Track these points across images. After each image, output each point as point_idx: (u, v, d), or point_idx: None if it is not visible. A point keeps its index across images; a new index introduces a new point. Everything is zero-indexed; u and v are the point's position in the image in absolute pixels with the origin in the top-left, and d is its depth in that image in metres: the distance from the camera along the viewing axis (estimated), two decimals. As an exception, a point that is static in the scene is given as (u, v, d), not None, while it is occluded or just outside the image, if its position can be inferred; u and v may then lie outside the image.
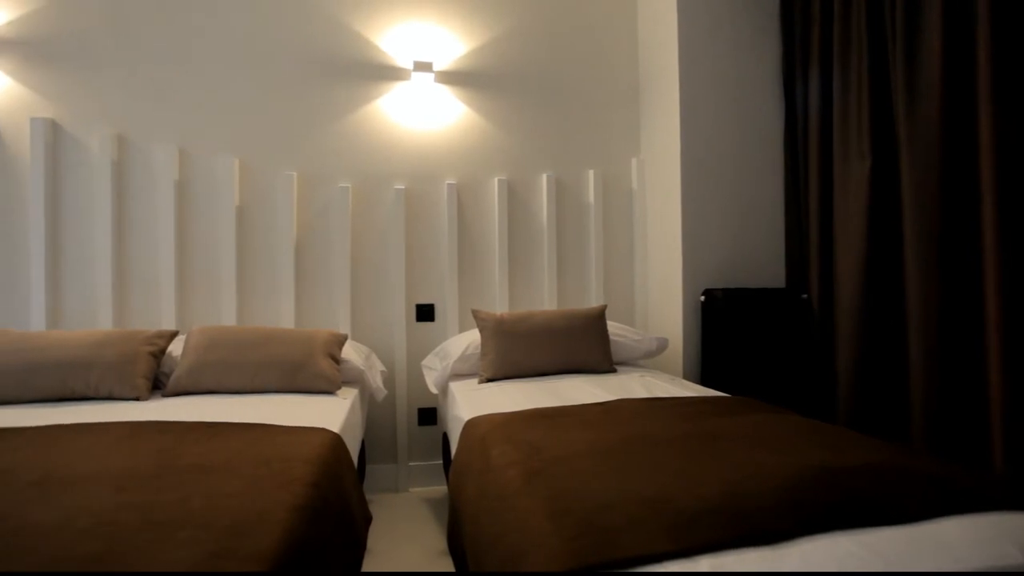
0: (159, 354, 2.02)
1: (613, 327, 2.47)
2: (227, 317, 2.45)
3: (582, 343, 2.24)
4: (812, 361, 2.40)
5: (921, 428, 1.89)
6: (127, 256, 2.41)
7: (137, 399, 1.87)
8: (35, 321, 2.29)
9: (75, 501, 0.96)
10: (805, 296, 2.46)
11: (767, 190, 2.65)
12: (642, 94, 2.93)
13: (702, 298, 2.51)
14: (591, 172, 2.85)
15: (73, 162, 2.37)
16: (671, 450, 1.23)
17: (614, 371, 2.28)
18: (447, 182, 2.68)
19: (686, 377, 2.52)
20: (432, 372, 2.30)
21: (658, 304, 2.79)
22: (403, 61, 2.67)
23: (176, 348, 2.11)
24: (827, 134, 2.39)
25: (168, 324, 2.39)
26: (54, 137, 2.35)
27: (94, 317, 2.36)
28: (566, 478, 1.09)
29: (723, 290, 2.43)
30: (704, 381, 2.46)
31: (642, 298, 2.90)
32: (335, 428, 1.54)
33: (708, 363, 2.47)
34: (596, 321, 2.32)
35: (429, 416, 2.67)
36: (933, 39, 1.87)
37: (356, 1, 2.63)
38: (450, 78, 2.72)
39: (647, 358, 2.55)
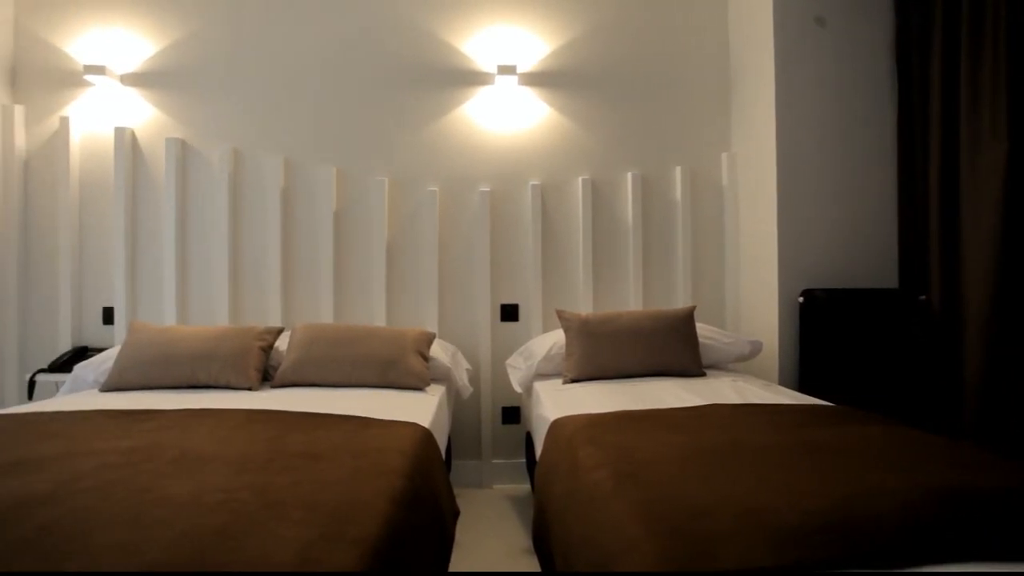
0: (268, 348, 2.19)
1: (702, 329, 2.37)
2: (325, 314, 2.62)
3: (670, 345, 2.17)
4: (932, 370, 2.17)
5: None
6: (240, 258, 2.64)
7: (250, 389, 2.05)
8: (167, 317, 2.58)
9: (204, 479, 1.07)
10: (924, 298, 2.22)
11: (876, 182, 2.43)
12: (733, 85, 2.79)
13: (801, 299, 2.35)
14: (678, 169, 2.76)
15: (198, 175, 2.64)
16: (768, 459, 1.16)
17: (703, 375, 2.19)
18: (531, 183, 2.71)
19: (782, 383, 2.37)
20: (516, 371, 2.33)
21: (751, 305, 2.64)
22: (487, 65, 2.72)
23: (282, 343, 2.29)
24: (951, 115, 2.14)
25: (275, 320, 2.60)
26: (183, 154, 2.63)
27: (213, 314, 2.62)
28: (657, 483, 1.06)
29: (825, 290, 2.26)
30: (803, 388, 2.29)
31: (733, 299, 2.76)
32: (425, 423, 1.61)
33: (807, 369, 2.30)
34: (684, 322, 2.24)
35: (512, 415, 2.70)
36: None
37: (441, 10, 2.72)
38: (533, 80, 2.74)
39: (739, 362, 2.43)
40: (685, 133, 2.80)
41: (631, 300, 2.72)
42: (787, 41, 2.42)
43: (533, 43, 2.75)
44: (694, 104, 2.80)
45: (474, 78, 2.72)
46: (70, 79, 2.64)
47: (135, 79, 2.65)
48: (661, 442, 1.29)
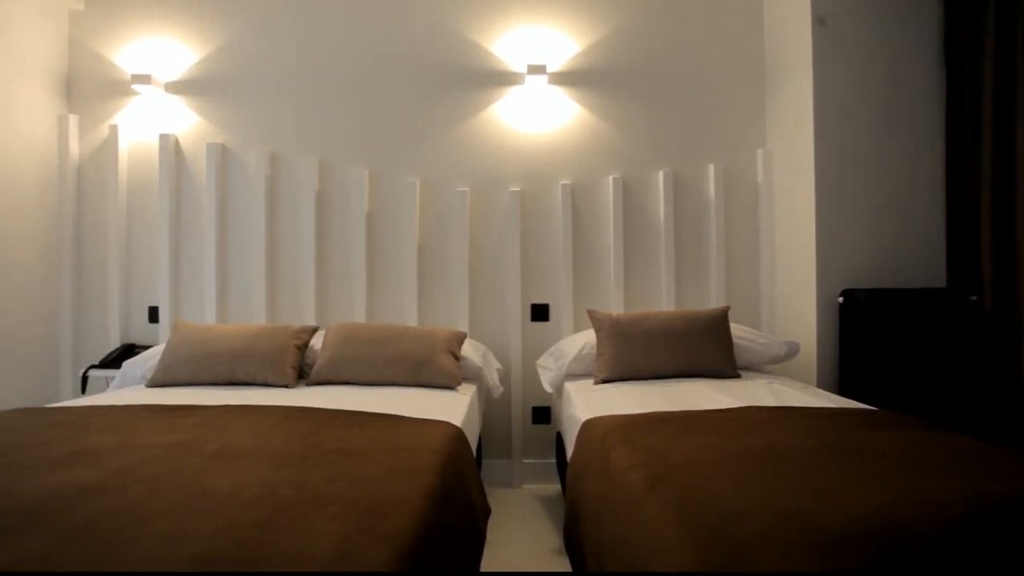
0: (303, 347, 2.25)
1: (736, 329, 2.32)
2: (358, 314, 2.67)
3: (703, 346, 2.13)
4: (983, 374, 2.07)
5: None
6: (277, 259, 2.72)
7: (286, 386, 2.11)
8: (208, 315, 2.67)
9: (244, 473, 1.11)
10: (975, 298, 2.13)
11: (922, 177, 2.34)
12: (768, 80, 2.72)
13: (840, 299, 2.28)
14: (711, 166, 2.71)
15: (237, 179, 2.73)
16: (807, 463, 1.13)
17: (738, 376, 2.15)
18: (561, 182, 2.70)
19: (820, 386, 2.30)
20: (547, 372, 2.33)
21: (787, 306, 2.57)
22: (517, 65, 2.73)
23: (316, 342, 2.34)
24: (1007, 105, 2.04)
25: (309, 319, 2.66)
26: (223, 158, 2.72)
27: (251, 312, 2.70)
28: (692, 485, 1.05)
29: (866, 291, 2.18)
30: (843, 391, 2.22)
31: (769, 299, 2.69)
32: (457, 422, 1.62)
33: (847, 371, 2.23)
34: (718, 323, 2.20)
35: (542, 415, 2.70)
36: None
37: (471, 12, 2.74)
38: (563, 79, 2.74)
39: (774, 364, 2.37)
40: (718, 130, 2.74)
41: (663, 300, 2.69)
42: (826, 34, 2.34)
43: (563, 42, 2.74)
44: (727, 100, 2.75)
45: (504, 78, 2.73)
46: (119, 88, 2.76)
47: (178, 87, 2.75)
48: (695, 444, 1.27)
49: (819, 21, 2.28)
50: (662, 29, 2.74)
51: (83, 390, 2.53)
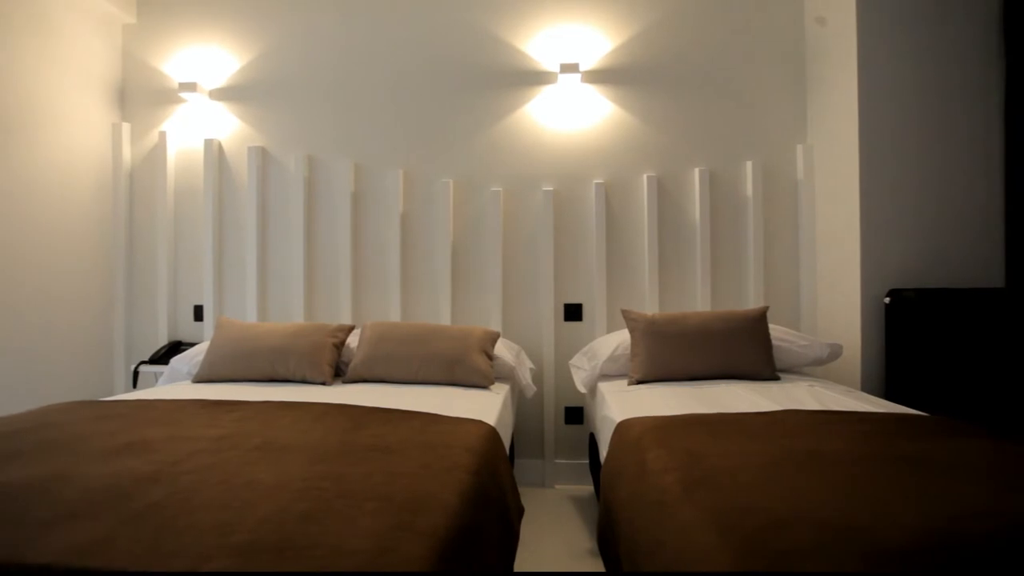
0: (340, 345, 2.30)
1: (775, 330, 2.26)
2: (393, 313, 2.71)
3: (741, 347, 2.08)
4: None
5: None
6: (314, 258, 2.79)
7: (323, 383, 2.16)
8: (249, 313, 2.76)
9: (286, 467, 1.14)
10: (1034, 299, 2.01)
11: (978, 170, 2.23)
12: (809, 72, 2.64)
13: (887, 300, 2.19)
14: (749, 163, 2.64)
15: (276, 181, 2.81)
16: (854, 471, 1.09)
17: (777, 379, 2.09)
18: (595, 181, 2.68)
19: (865, 390, 2.22)
20: (580, 372, 2.31)
21: (829, 306, 2.49)
22: (550, 64, 2.72)
23: (352, 340, 2.39)
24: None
25: (346, 318, 2.72)
26: (263, 161, 2.81)
27: (289, 311, 2.77)
28: (729, 490, 1.03)
29: (915, 290, 2.09)
30: (889, 395, 2.14)
31: (809, 299, 2.61)
32: (491, 421, 1.63)
33: (894, 374, 2.14)
34: (757, 323, 2.14)
35: (575, 415, 2.69)
36: None
37: (504, 12, 2.74)
38: (596, 77, 2.72)
39: (815, 366, 2.30)
40: (756, 125, 2.68)
41: (698, 300, 2.64)
42: (872, 20, 2.26)
43: (595, 40, 2.72)
44: (766, 94, 2.68)
45: (537, 78, 2.73)
46: (167, 97, 2.88)
47: (221, 93, 2.85)
48: (733, 448, 1.24)
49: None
50: (697, 23, 2.69)
51: (134, 384, 2.65)
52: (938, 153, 2.24)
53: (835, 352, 2.20)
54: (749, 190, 2.64)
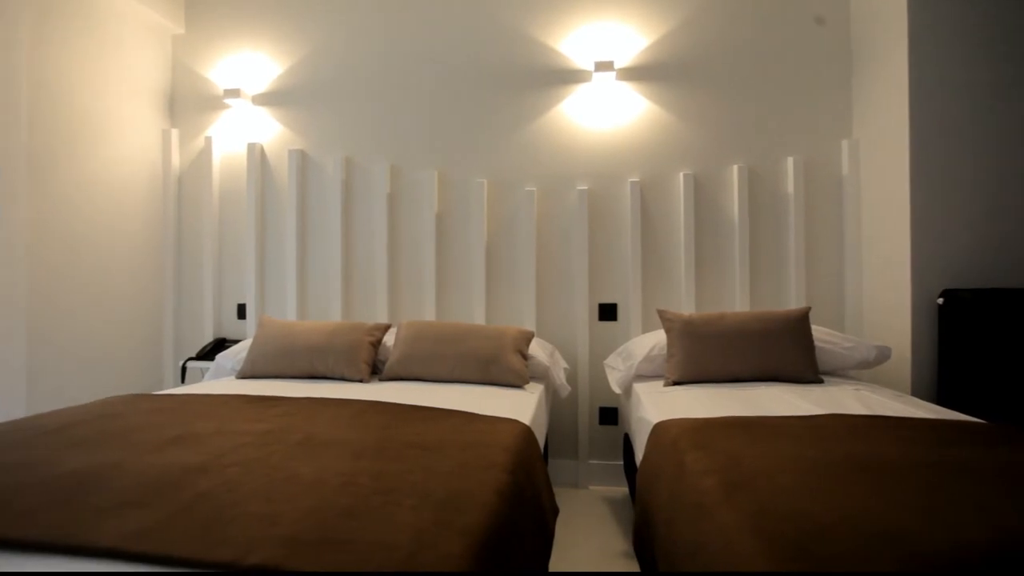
0: (376, 344, 2.34)
1: (818, 332, 2.19)
2: (428, 312, 2.74)
3: (781, 348, 2.02)
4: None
5: None
6: (351, 258, 2.85)
7: (361, 381, 2.20)
8: (289, 312, 2.84)
9: (326, 462, 1.17)
10: (1103, 300, 1.89)
11: (1039, 165, 2.10)
12: (855, 64, 2.54)
13: (940, 300, 2.09)
14: (790, 160, 2.56)
15: (315, 183, 2.88)
16: (904, 479, 1.05)
17: (820, 382, 2.02)
18: (630, 180, 2.65)
19: (915, 394, 2.13)
20: (615, 372, 2.29)
21: (876, 307, 2.40)
22: (584, 63, 2.70)
23: (389, 338, 2.43)
24: None
25: (382, 317, 2.77)
26: (303, 163, 2.89)
27: (328, 309, 2.84)
28: (770, 494, 1.00)
29: (971, 291, 1.99)
30: (942, 401, 2.04)
31: (855, 300, 2.51)
32: (526, 420, 1.63)
33: (948, 379, 2.04)
34: (798, 324, 2.08)
35: (609, 415, 2.67)
36: None
37: (537, 12, 2.74)
38: (631, 74, 2.68)
39: (861, 369, 2.22)
40: (798, 120, 2.59)
41: (736, 301, 2.58)
42: (923, 11, 2.16)
43: (630, 37, 2.69)
44: (808, 88, 2.59)
45: (571, 76, 2.72)
46: (213, 103, 2.99)
47: (263, 99, 2.94)
48: (775, 452, 1.21)
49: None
50: (735, 16, 2.63)
51: (182, 379, 2.76)
52: (993, 147, 2.12)
53: (883, 354, 2.11)
54: (790, 187, 2.56)
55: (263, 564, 0.77)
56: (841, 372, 2.22)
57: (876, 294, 2.41)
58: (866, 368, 2.19)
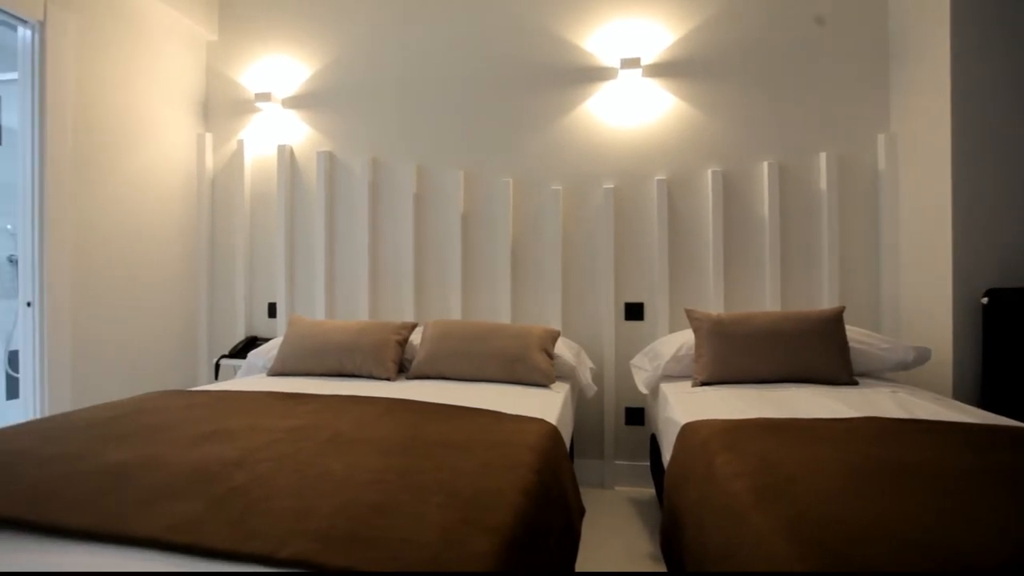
0: (403, 342, 2.36)
1: (853, 332, 2.13)
2: (454, 311, 2.76)
3: (814, 349, 1.97)
4: None
5: None
6: (378, 258, 2.88)
7: (388, 379, 2.22)
8: (318, 311, 2.89)
9: (355, 458, 1.18)
10: None
11: (1092, 158, 2.00)
12: (892, 55, 2.46)
13: (984, 300, 2.01)
14: (822, 155, 2.50)
15: (343, 184, 2.93)
16: (944, 485, 1.01)
17: (855, 384, 1.97)
18: (657, 178, 2.62)
19: (956, 397, 2.05)
20: (642, 372, 2.27)
21: (915, 307, 2.32)
22: (609, 60, 2.68)
23: (415, 337, 2.45)
24: None
25: (408, 316, 2.80)
26: (331, 165, 2.93)
27: (355, 308, 2.88)
28: (804, 499, 0.97)
29: (1018, 290, 1.91)
30: (985, 404, 1.96)
31: (891, 299, 2.44)
32: (552, 420, 1.62)
33: (992, 382, 1.96)
34: (832, 324, 2.03)
35: (636, 416, 2.64)
36: None
37: (562, 9, 2.73)
38: (658, 71, 2.65)
39: (899, 371, 2.15)
40: (831, 114, 2.52)
41: (767, 300, 2.52)
42: (966, 1, 2.08)
43: (656, 33, 2.66)
44: (842, 81, 2.52)
45: (597, 74, 2.70)
46: (244, 107, 3.06)
47: (293, 101, 3.00)
48: (808, 455, 1.18)
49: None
50: (764, 9, 2.57)
51: (216, 376, 2.84)
52: (1044, 138, 2.03)
53: (922, 356, 2.04)
54: (823, 183, 2.50)
55: (296, 557, 0.78)
56: (877, 374, 2.15)
57: (914, 293, 2.33)
58: (904, 370, 2.12)
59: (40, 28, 2.22)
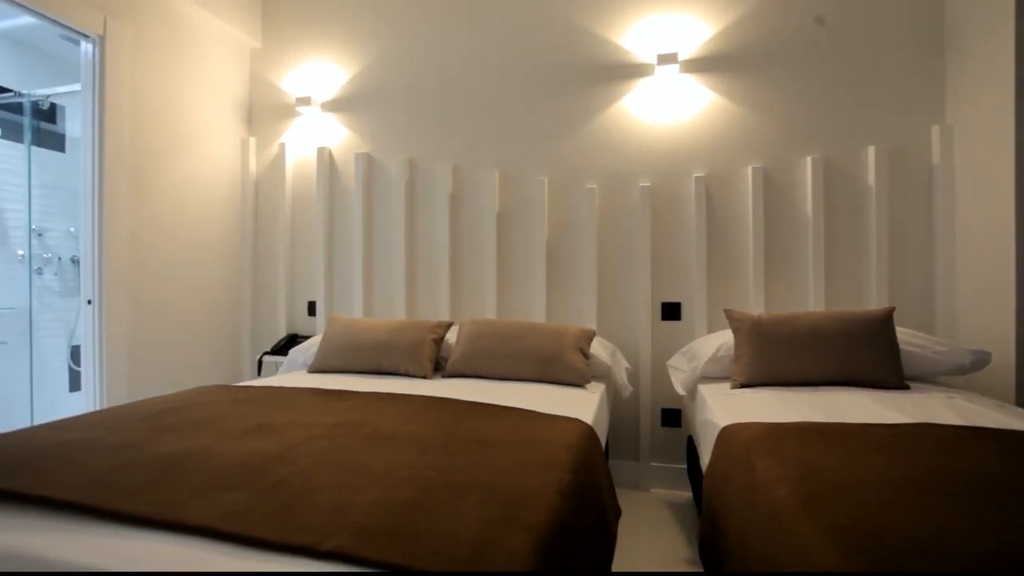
0: (439, 341, 2.39)
1: (904, 334, 2.04)
2: (489, 310, 2.78)
3: (862, 351, 1.90)
4: None
5: None
6: (415, 257, 2.92)
7: (424, 377, 2.25)
8: (356, 309, 2.96)
9: (394, 455, 1.21)
10: None
11: None
12: (948, 41, 2.34)
13: (1049, 301, 1.89)
14: (871, 149, 2.40)
15: (380, 184, 2.98)
16: (1006, 497, 0.96)
17: (906, 388, 1.88)
18: (694, 175, 2.57)
19: (1020, 404, 1.94)
20: (679, 373, 2.23)
21: (972, 308, 2.20)
22: (646, 56, 2.64)
23: (451, 336, 2.48)
24: None
25: (444, 315, 2.83)
26: (368, 166, 2.99)
27: (392, 307, 2.93)
28: (852, 508, 0.94)
29: (1089, 291, 1.79)
30: (1052, 411, 1.84)
31: (946, 300, 2.32)
32: (588, 419, 1.61)
33: (1060, 388, 1.84)
34: (881, 325, 1.94)
35: (672, 417, 2.60)
36: None
37: (598, 6, 2.70)
38: (695, 66, 2.60)
39: (955, 375, 2.04)
40: (880, 106, 2.42)
41: (809, 300, 2.44)
42: (1030, -18, 1.96)
43: (694, 27, 2.60)
44: (892, 71, 2.41)
45: (633, 70, 2.66)
46: (285, 111, 3.15)
47: (332, 105, 3.08)
48: (856, 461, 1.14)
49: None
50: (807, 0, 2.48)
51: (259, 372, 2.94)
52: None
53: (981, 360, 1.93)
54: (871, 178, 2.40)
55: (337, 550, 0.80)
56: (931, 378, 2.06)
57: (972, 293, 2.21)
58: (961, 374, 2.02)
59: (100, 42, 2.34)
